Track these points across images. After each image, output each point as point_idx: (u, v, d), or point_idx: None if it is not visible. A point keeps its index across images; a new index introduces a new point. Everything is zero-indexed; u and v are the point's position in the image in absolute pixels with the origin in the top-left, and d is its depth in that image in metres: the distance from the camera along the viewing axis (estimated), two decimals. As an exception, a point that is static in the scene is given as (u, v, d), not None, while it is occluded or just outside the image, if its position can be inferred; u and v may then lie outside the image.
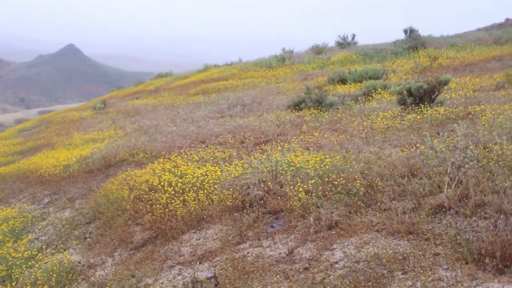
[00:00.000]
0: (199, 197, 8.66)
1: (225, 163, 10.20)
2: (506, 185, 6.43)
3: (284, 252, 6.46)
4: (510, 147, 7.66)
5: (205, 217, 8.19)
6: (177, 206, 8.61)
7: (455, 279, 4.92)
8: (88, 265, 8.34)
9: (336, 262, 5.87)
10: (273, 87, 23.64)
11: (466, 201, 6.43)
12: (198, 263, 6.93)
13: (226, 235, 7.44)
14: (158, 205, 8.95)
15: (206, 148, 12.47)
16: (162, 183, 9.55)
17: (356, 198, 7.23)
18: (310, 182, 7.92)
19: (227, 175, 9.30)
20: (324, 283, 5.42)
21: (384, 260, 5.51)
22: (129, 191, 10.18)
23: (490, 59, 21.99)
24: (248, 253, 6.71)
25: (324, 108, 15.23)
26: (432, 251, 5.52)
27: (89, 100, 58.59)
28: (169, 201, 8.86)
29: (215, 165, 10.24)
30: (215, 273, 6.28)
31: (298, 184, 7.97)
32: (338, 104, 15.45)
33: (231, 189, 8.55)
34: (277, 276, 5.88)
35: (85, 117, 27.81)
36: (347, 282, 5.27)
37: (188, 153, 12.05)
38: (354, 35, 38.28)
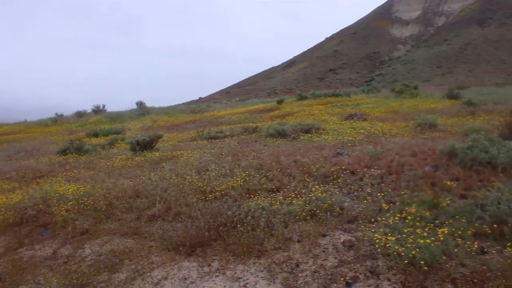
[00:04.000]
0: (-12, 217, 7.56)
1: (10, 192, 9.11)
2: (193, 200, 7.05)
3: (50, 252, 6.07)
4: (196, 177, 8.39)
5: (-8, 231, 7.18)
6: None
7: (161, 261, 5.27)
8: None
9: (86, 257, 5.74)
10: (48, 139, 21.41)
11: (169, 211, 6.78)
12: (-13, 264, 6.04)
13: (9, 243, 6.62)
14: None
15: (-4, 182, 10.79)
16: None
17: (100, 213, 7.11)
18: (69, 204, 7.54)
19: (10, 200, 8.33)
20: (78, 271, 5.29)
21: (117, 253, 5.61)
22: None
23: (188, 122, 23.53)
24: (24, 255, 6.11)
25: (82, 153, 14.42)
26: (148, 245, 5.78)
27: None
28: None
29: (1, 194, 9.02)
30: (-1, 271, 5.62)
31: (61, 205, 7.53)
32: (91, 151, 14.77)
33: (13, 211, 7.67)
34: (45, 269, 5.53)
35: None
36: (92, 270, 5.24)
37: (-18, 187, 10.25)
38: (104, 105, 37.17)
